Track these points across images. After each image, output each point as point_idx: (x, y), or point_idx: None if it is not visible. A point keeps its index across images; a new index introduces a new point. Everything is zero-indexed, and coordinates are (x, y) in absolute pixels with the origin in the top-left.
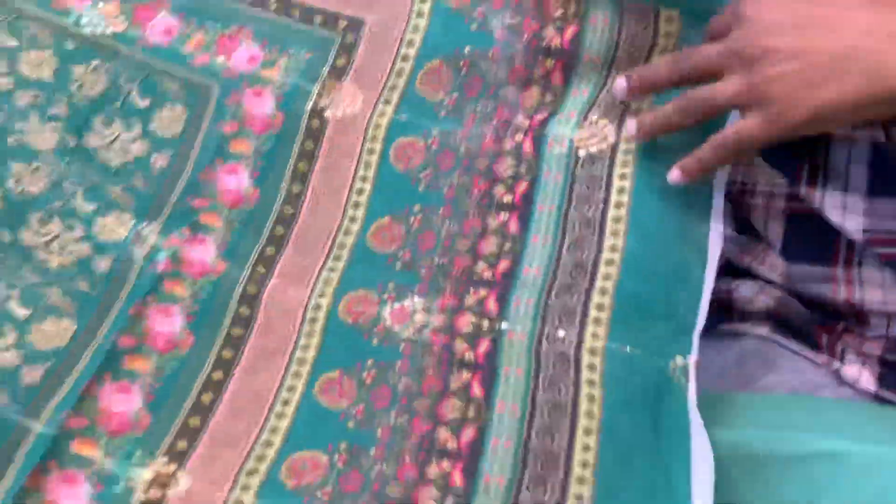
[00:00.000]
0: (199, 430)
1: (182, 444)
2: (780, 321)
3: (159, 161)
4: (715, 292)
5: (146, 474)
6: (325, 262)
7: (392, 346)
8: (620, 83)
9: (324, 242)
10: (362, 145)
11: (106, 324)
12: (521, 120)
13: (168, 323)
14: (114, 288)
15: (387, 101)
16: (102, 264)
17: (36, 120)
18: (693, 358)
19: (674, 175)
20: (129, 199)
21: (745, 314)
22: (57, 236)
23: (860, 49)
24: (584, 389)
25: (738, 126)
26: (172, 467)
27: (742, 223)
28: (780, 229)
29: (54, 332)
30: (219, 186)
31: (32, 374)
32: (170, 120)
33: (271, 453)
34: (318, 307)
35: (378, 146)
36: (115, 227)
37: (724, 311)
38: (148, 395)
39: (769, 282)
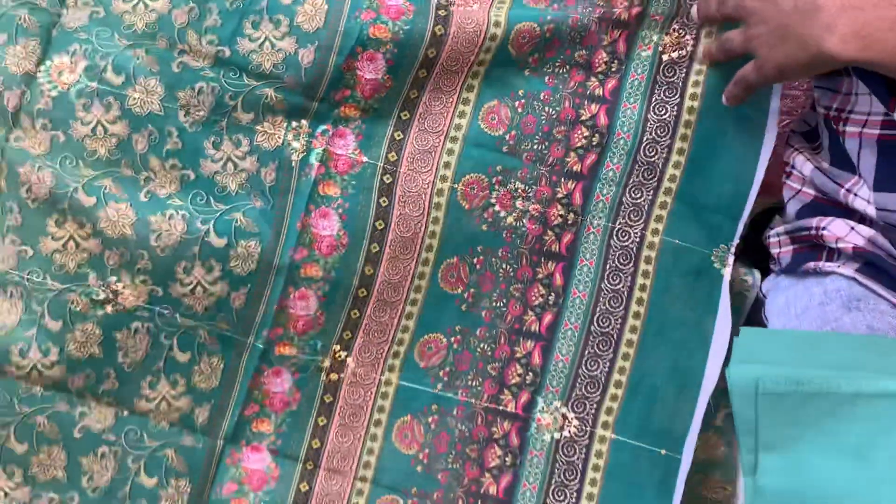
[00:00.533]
0: (358, 320)
1: (348, 334)
2: (868, 262)
3: (306, 57)
4: (806, 230)
5: (326, 361)
6: (444, 144)
7: (497, 231)
8: (694, 9)
9: (443, 124)
10: (485, 32)
11: (281, 240)
12: (619, 12)
13: (328, 226)
14: (280, 201)
15: (501, 1)
16: (268, 177)
17: (194, 37)
18: (734, 244)
19: (723, 100)
20: (280, 101)
21: (834, 253)
22: (229, 158)
23: (789, 24)
24: (639, 280)
25: (744, 68)
26: (343, 354)
27: (836, 156)
28: (873, 158)
29: (247, 255)
30: (358, 76)
31: (239, 299)
32: (312, 12)
33: (407, 337)
34: (441, 192)
35: (500, 32)
36: (271, 131)
37: (812, 250)
38: (320, 297)
39: (861, 221)
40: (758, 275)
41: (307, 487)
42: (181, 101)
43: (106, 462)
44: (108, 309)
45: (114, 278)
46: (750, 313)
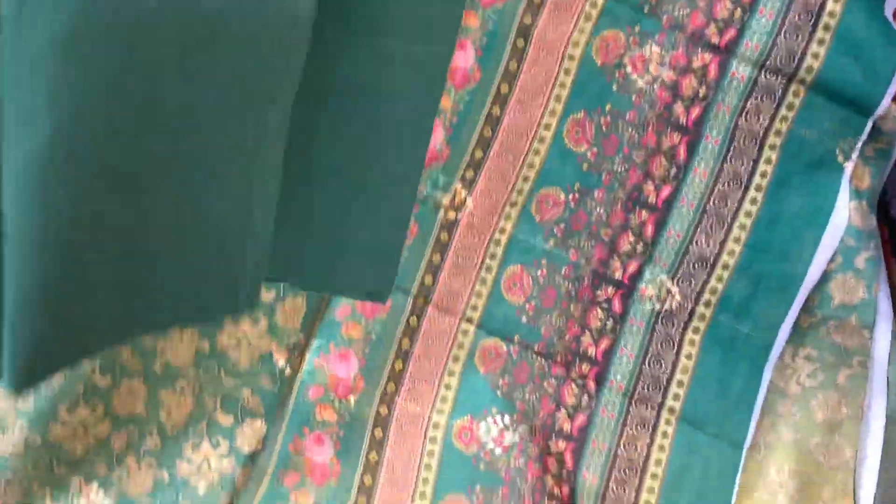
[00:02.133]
0: (481, 161)
1: (470, 174)
2: None
3: None
4: None
5: (446, 198)
6: None
7: (627, 94)
8: None
9: None
10: None
11: None
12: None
13: (463, 58)
14: None
15: None
16: None
17: None
18: (861, 139)
19: None
20: None
21: None
22: None
23: None
24: (761, 166)
25: None
26: (464, 193)
27: None
28: None
29: None
30: None
31: None
32: None
33: (527, 188)
34: (576, 44)
35: None
36: None
37: None
38: (448, 129)
39: None
40: None
41: (416, 322)
42: None
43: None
44: None
45: None
46: None
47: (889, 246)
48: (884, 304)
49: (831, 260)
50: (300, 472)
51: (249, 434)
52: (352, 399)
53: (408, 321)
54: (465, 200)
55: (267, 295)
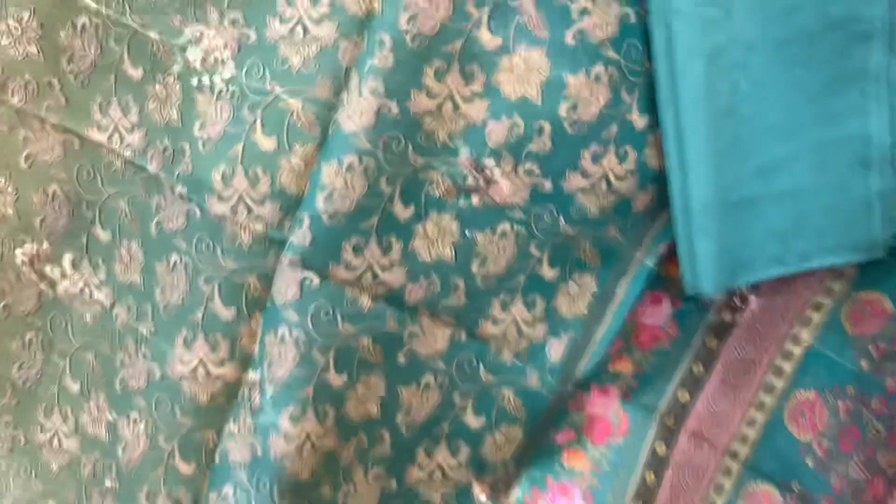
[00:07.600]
0: None
1: None
2: None
3: None
4: None
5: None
6: None
7: None
8: None
9: None
10: None
11: None
12: None
13: None
14: None
15: None
16: None
17: None
18: None
19: None
20: None
21: None
22: None
23: None
24: None
25: None
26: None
27: None
28: None
29: None
30: None
31: (644, 200)
32: None
33: (838, 288)
34: None
35: None
36: None
37: None
38: None
39: None
40: None
41: (664, 450)
42: None
43: (429, 394)
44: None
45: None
46: None
47: None
48: None
49: None
50: None
51: None
52: None
53: (653, 448)
54: (747, 297)
55: (476, 420)
